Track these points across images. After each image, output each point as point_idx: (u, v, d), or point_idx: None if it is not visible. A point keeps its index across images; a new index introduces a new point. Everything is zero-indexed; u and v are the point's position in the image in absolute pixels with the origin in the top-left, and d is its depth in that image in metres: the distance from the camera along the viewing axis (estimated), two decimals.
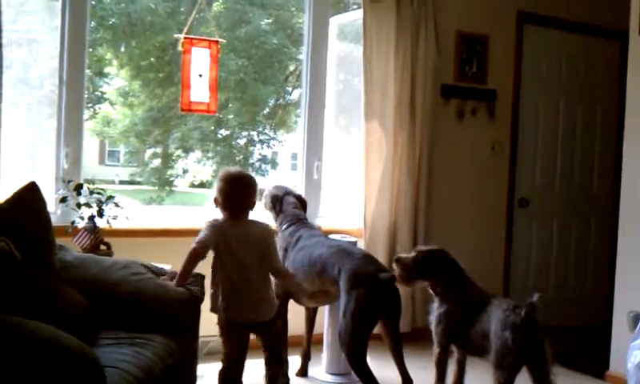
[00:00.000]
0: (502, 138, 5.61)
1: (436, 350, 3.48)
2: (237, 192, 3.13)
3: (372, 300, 3.38)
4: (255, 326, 3.15)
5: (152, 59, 6.68)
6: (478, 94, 5.47)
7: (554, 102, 5.87)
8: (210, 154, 6.22)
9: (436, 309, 3.48)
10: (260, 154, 6.31)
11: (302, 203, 4.19)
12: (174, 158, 6.17)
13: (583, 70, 5.97)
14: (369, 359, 3.41)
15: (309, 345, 4.21)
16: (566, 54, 5.88)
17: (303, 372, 4.20)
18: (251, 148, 6.31)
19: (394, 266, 3.56)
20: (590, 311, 5.96)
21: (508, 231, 5.69)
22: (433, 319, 3.49)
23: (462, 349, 3.48)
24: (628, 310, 3.71)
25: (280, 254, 3.85)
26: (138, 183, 6.04)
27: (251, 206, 3.17)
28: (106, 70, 6.47)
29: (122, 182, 5.84)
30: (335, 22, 5.23)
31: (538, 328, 3.06)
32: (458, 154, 5.43)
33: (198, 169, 6.09)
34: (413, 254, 3.52)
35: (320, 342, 4.34)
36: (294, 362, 4.13)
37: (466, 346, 3.41)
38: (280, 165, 6.17)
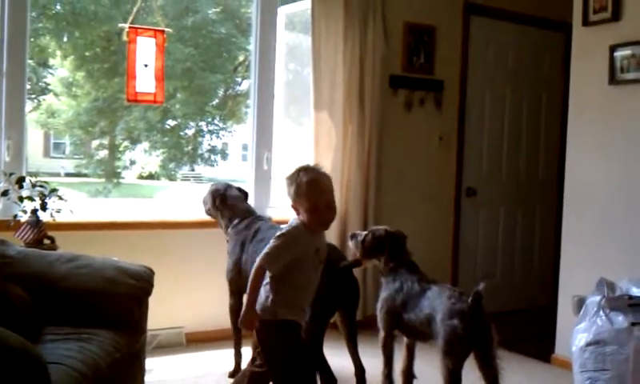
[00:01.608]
0: (449, 128, 5.68)
1: (381, 334, 3.53)
2: None
3: (330, 290, 3.38)
4: None
5: (97, 49, 6.55)
6: (426, 84, 5.52)
7: (500, 93, 5.97)
8: (157, 145, 6.14)
9: (380, 294, 3.53)
10: (209, 144, 6.25)
11: (245, 195, 4.18)
12: (120, 149, 6.07)
13: (529, 61, 6.09)
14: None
15: None
16: (512, 45, 5.98)
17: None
18: (200, 138, 6.25)
19: (349, 242, 3.68)
20: (536, 296, 6.09)
21: (456, 220, 5.77)
22: (377, 304, 3.54)
23: (404, 334, 3.53)
24: (572, 294, 3.81)
25: (236, 249, 3.86)
26: (85, 175, 5.92)
27: None
28: (50, 60, 6.31)
29: (67, 175, 5.70)
30: (283, 12, 5.20)
31: (484, 314, 3.11)
32: (407, 143, 5.47)
33: (146, 160, 6.00)
34: (366, 232, 3.67)
35: None
36: (247, 354, 4.11)
37: (407, 331, 3.46)
38: (230, 156, 6.12)
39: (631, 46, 4.08)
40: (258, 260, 2.77)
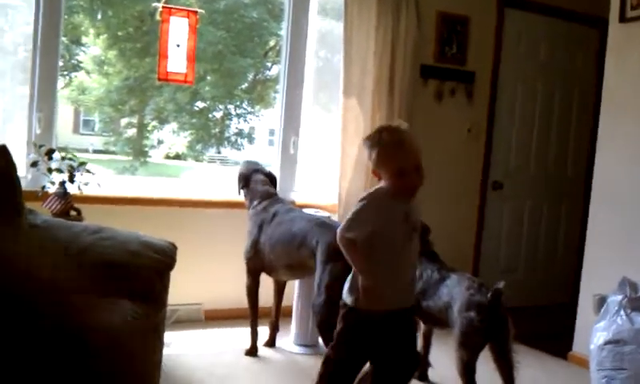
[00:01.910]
0: (479, 119, 5.63)
1: None
2: None
3: (346, 272, 3.38)
4: None
5: (129, 29, 6.59)
6: (457, 75, 5.48)
7: (531, 86, 5.90)
8: (185, 126, 6.18)
9: None
10: (237, 128, 6.28)
11: (271, 180, 4.22)
12: (149, 128, 6.12)
13: (561, 55, 6.00)
14: None
15: (277, 316, 4.24)
16: (545, 39, 5.90)
17: (271, 342, 4.22)
18: (228, 121, 6.27)
19: None
20: (558, 292, 6.02)
21: (480, 212, 5.73)
22: None
23: (422, 321, 3.53)
24: (593, 293, 3.77)
25: (254, 230, 3.89)
26: (113, 153, 5.98)
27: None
28: (83, 38, 6.36)
29: (96, 151, 5.75)
30: None
31: (503, 308, 3.09)
32: (436, 134, 5.43)
33: (174, 140, 6.04)
34: None
35: (289, 314, 4.36)
36: (263, 332, 4.15)
37: (425, 318, 3.46)
38: (257, 139, 6.13)
39: None
40: (338, 231, 2.56)
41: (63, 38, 4.46)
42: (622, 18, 4.28)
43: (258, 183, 4.11)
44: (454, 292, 3.17)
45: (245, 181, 4.16)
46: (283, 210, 3.93)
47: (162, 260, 2.94)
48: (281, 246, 3.77)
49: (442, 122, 5.45)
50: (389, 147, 2.51)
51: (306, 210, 4.24)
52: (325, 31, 5.29)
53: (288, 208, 3.97)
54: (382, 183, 2.55)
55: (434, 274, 3.36)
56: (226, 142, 6.21)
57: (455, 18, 5.43)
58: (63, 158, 3.90)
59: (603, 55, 4.51)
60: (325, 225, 3.66)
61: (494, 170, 5.75)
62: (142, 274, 2.82)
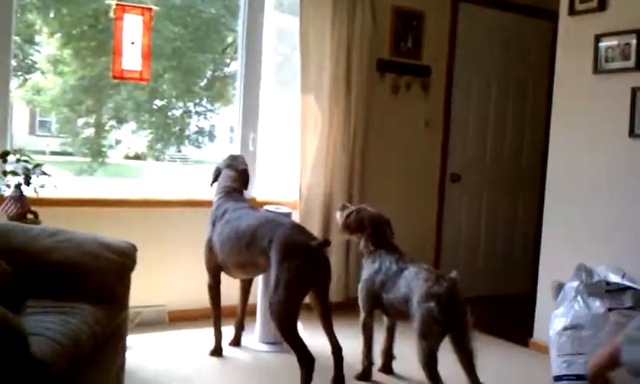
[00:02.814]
0: (435, 113, 5.70)
1: (362, 315, 3.58)
2: None
3: (304, 270, 3.40)
4: None
5: (84, 27, 6.48)
6: (413, 69, 5.54)
7: (486, 79, 6.00)
8: (145, 125, 6.11)
9: (362, 275, 3.59)
10: (197, 125, 6.24)
11: (241, 177, 4.14)
12: (106, 128, 6.04)
13: (516, 48, 6.11)
14: (299, 328, 3.44)
15: (243, 315, 4.23)
16: (500, 32, 6.00)
17: (236, 342, 4.22)
18: (187, 120, 6.24)
19: (337, 212, 3.81)
20: (518, 282, 6.14)
21: (440, 205, 5.81)
22: (358, 286, 3.60)
23: (385, 313, 3.58)
24: (551, 280, 3.87)
25: (209, 227, 3.89)
26: (70, 154, 5.90)
27: None
28: (37, 38, 6.25)
29: (53, 153, 5.65)
30: None
31: (461, 298, 3.15)
32: (393, 128, 5.49)
33: (133, 140, 5.97)
34: (353, 208, 3.75)
35: (253, 311, 4.36)
36: (228, 331, 4.14)
37: (387, 311, 3.51)
38: (217, 137, 6.11)
39: (616, 35, 4.11)
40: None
41: (16, 37, 4.38)
42: (572, 11, 4.40)
43: (225, 179, 4.08)
44: (413, 284, 3.22)
45: (215, 175, 4.14)
46: (232, 207, 3.87)
47: (122, 261, 2.92)
48: (229, 245, 3.74)
49: (398, 116, 5.51)
50: None
51: (268, 207, 4.25)
52: (282, 27, 5.29)
53: (237, 205, 3.90)
54: None
55: (392, 265, 3.41)
56: (186, 141, 6.16)
57: (410, 12, 5.49)
58: (18, 160, 3.84)
59: (555, 48, 4.61)
60: (275, 222, 3.63)
61: (452, 162, 5.84)
62: (101, 275, 2.80)
